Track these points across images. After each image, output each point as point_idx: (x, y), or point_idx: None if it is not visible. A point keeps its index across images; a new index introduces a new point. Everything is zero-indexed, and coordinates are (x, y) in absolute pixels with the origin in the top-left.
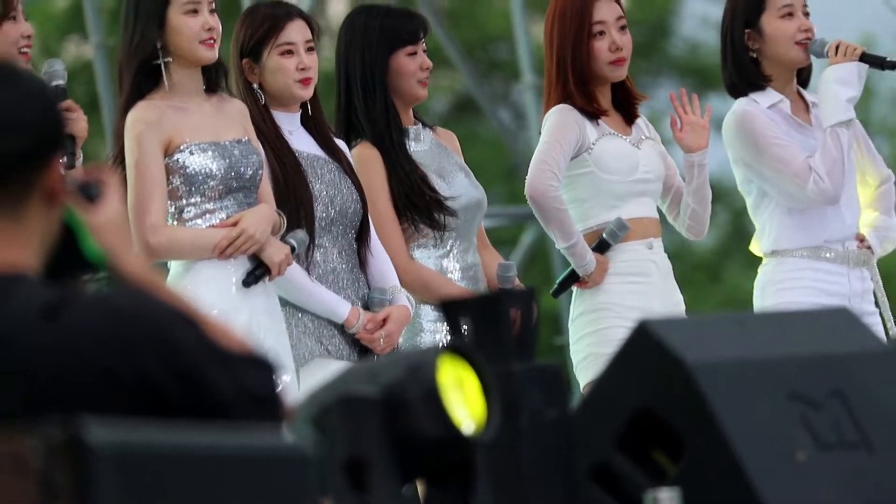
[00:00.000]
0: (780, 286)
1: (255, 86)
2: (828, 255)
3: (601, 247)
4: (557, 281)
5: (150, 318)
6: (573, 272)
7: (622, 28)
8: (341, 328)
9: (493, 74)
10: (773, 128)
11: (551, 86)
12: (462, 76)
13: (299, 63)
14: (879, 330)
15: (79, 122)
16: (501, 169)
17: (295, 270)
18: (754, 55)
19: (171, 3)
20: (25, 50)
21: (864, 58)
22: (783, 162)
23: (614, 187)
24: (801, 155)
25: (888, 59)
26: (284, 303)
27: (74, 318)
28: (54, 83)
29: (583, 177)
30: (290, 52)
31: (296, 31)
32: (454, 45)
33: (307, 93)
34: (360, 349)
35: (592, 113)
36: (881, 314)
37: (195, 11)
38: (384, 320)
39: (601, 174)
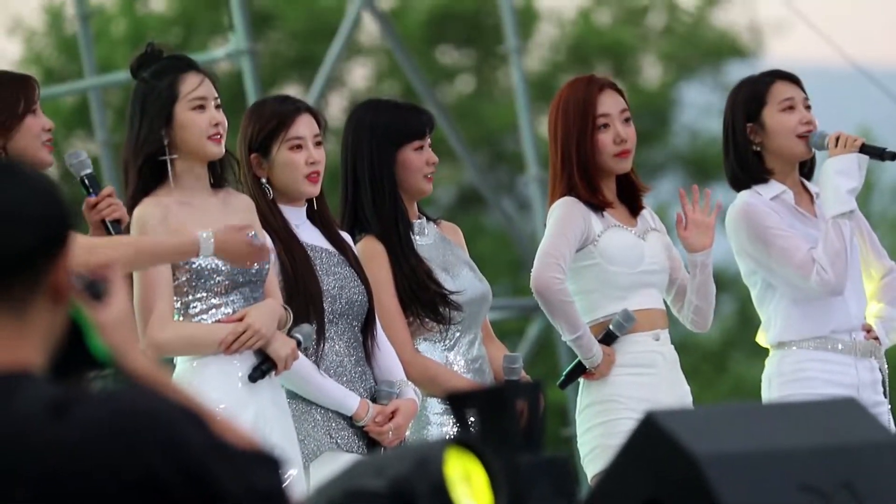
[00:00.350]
0: (786, 378)
1: (264, 180)
2: (835, 346)
3: (607, 338)
4: (564, 373)
5: (156, 416)
6: (580, 364)
7: (626, 120)
8: (350, 421)
9: (497, 167)
10: (775, 219)
11: (556, 178)
12: (467, 168)
13: (308, 157)
14: (889, 420)
15: (122, 207)
16: (507, 261)
17: (304, 364)
18: (757, 148)
19: (178, 99)
20: (48, 143)
21: (864, 149)
22: (786, 253)
23: (620, 279)
24: (804, 246)
25: (887, 150)
26: (293, 396)
27: (81, 416)
28: (84, 173)
29: (589, 269)
30: (299, 146)
31: (304, 126)
32: (459, 138)
33: (315, 189)
34: (369, 442)
35: (597, 205)
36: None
37: (202, 107)
38: (393, 413)
39: (607, 266)
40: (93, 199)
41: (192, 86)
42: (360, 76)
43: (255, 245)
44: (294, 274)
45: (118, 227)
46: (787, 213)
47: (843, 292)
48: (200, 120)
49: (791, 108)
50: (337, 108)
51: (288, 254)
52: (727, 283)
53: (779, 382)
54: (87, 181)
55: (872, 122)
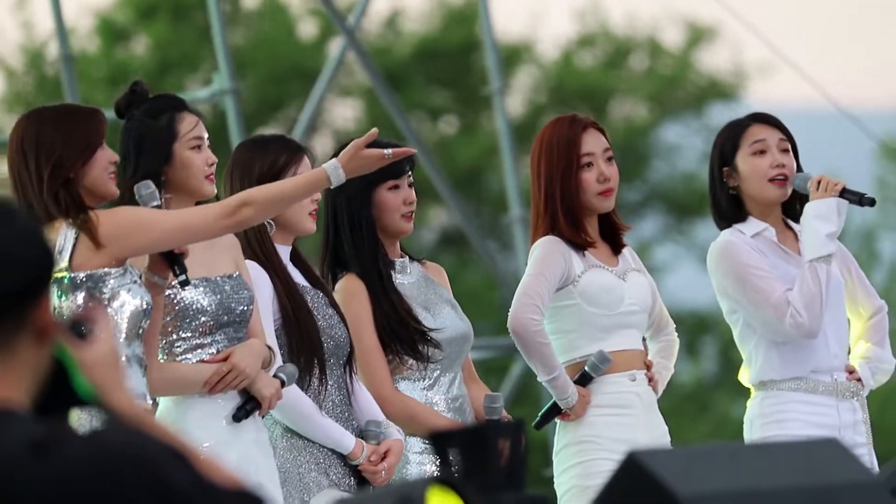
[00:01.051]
0: (767, 419)
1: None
2: (815, 387)
3: (583, 380)
4: (540, 413)
5: (141, 454)
6: (555, 405)
7: (609, 159)
8: (343, 459)
9: (479, 208)
10: (755, 258)
11: (539, 217)
12: (450, 209)
13: (314, 196)
14: (871, 461)
15: None
16: (490, 301)
17: (306, 403)
18: (733, 192)
19: (177, 138)
20: (113, 175)
21: (844, 193)
22: (762, 294)
23: (599, 320)
24: (780, 287)
25: (866, 195)
26: (290, 432)
27: (65, 455)
28: (153, 205)
29: (568, 308)
30: None
31: (305, 165)
32: (441, 177)
33: (314, 227)
34: (359, 480)
35: (580, 244)
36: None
37: (199, 147)
38: (386, 453)
39: (586, 307)
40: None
41: (189, 125)
42: (343, 117)
43: (379, 153)
44: (294, 314)
45: (179, 260)
46: (770, 250)
47: (817, 335)
48: (199, 159)
49: (762, 151)
50: (320, 149)
51: (287, 294)
52: (711, 325)
53: (760, 424)
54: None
55: (852, 163)
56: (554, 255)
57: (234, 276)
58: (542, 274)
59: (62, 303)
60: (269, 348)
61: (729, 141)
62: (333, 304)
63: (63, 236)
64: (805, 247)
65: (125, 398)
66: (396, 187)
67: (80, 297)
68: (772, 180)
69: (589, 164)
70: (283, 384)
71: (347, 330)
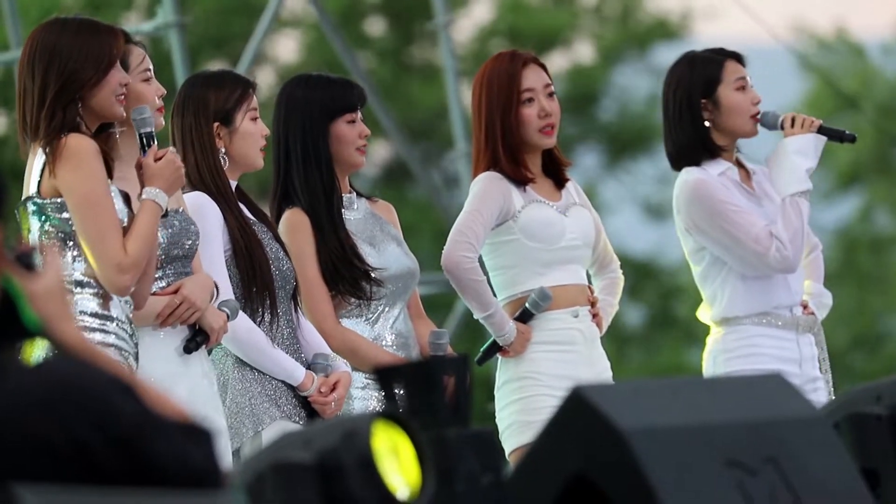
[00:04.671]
0: (733, 354)
1: (223, 150)
2: (777, 321)
3: (524, 316)
4: (481, 350)
5: (87, 386)
6: (495, 342)
7: (550, 95)
8: (293, 390)
9: (425, 143)
10: (728, 194)
11: (480, 152)
12: (396, 144)
13: (262, 129)
14: (824, 395)
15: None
16: (432, 234)
17: (259, 336)
18: (707, 125)
19: (128, 71)
20: (121, 97)
21: (822, 130)
22: (742, 229)
23: (540, 255)
24: (759, 222)
25: (846, 132)
26: (242, 364)
27: (11, 385)
28: (142, 130)
29: (508, 244)
30: (255, 118)
31: (255, 101)
32: (388, 114)
33: (262, 162)
34: (310, 412)
35: (520, 180)
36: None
37: (149, 81)
38: (335, 385)
39: (526, 242)
40: (142, 157)
41: (138, 58)
42: (287, 50)
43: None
44: (246, 247)
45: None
46: (736, 188)
47: (797, 269)
48: (149, 92)
49: (743, 87)
50: (263, 84)
51: (239, 227)
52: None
53: (725, 358)
54: (144, 139)
55: (797, 100)
56: (492, 192)
57: (180, 210)
58: (477, 211)
59: (31, 228)
60: (214, 282)
61: (709, 74)
62: (278, 239)
63: (37, 160)
64: (784, 181)
65: (72, 330)
66: (353, 121)
67: (46, 224)
68: (752, 116)
69: (530, 100)
70: (228, 318)
71: (292, 263)
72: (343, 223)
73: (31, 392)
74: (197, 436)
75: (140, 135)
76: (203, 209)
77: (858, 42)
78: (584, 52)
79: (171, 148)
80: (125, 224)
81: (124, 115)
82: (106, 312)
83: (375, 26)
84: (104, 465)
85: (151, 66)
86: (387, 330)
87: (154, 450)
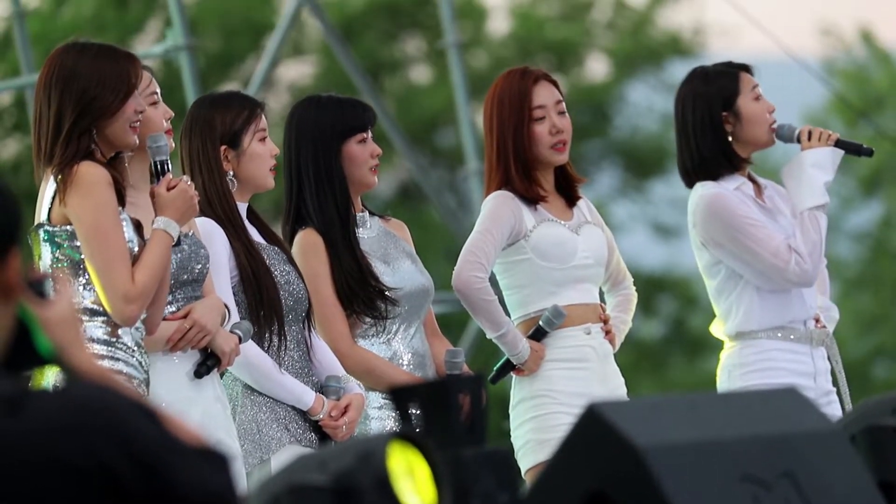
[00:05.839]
0: (748, 368)
1: (231, 173)
2: (793, 335)
3: (537, 335)
4: (494, 368)
5: (109, 410)
6: (509, 360)
7: (561, 112)
8: (303, 415)
9: (437, 161)
10: (746, 209)
11: (492, 171)
12: (407, 163)
13: (272, 150)
14: (838, 408)
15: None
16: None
17: (264, 361)
18: (729, 137)
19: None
20: (135, 125)
21: (840, 143)
22: (761, 243)
23: (552, 274)
24: (777, 235)
25: (864, 146)
26: (251, 389)
27: (34, 411)
28: (158, 158)
29: (520, 264)
30: (264, 138)
31: (264, 122)
32: (398, 132)
33: (273, 182)
34: (321, 436)
35: (532, 198)
36: (839, 392)
37: (156, 104)
38: (346, 408)
39: (539, 261)
40: (154, 186)
41: (145, 82)
42: (297, 73)
43: (186, 188)
44: (253, 272)
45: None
46: (752, 203)
47: (814, 284)
48: (156, 115)
49: (758, 97)
50: (277, 104)
51: (246, 251)
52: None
53: (741, 373)
54: (159, 166)
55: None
56: (503, 211)
57: (190, 234)
58: (488, 231)
59: (42, 255)
60: (225, 305)
61: (728, 85)
62: (291, 261)
63: (49, 186)
64: (802, 194)
65: (85, 357)
66: (364, 140)
67: (58, 252)
68: (769, 126)
69: (541, 118)
70: (240, 340)
71: (305, 285)
72: (358, 243)
73: (57, 416)
74: (214, 460)
75: (154, 162)
76: (210, 236)
77: (883, 48)
78: (597, 67)
79: (185, 177)
80: (135, 252)
81: (137, 143)
82: (115, 340)
83: (391, 44)
84: (129, 489)
85: (158, 90)
86: (403, 349)
87: (176, 474)
